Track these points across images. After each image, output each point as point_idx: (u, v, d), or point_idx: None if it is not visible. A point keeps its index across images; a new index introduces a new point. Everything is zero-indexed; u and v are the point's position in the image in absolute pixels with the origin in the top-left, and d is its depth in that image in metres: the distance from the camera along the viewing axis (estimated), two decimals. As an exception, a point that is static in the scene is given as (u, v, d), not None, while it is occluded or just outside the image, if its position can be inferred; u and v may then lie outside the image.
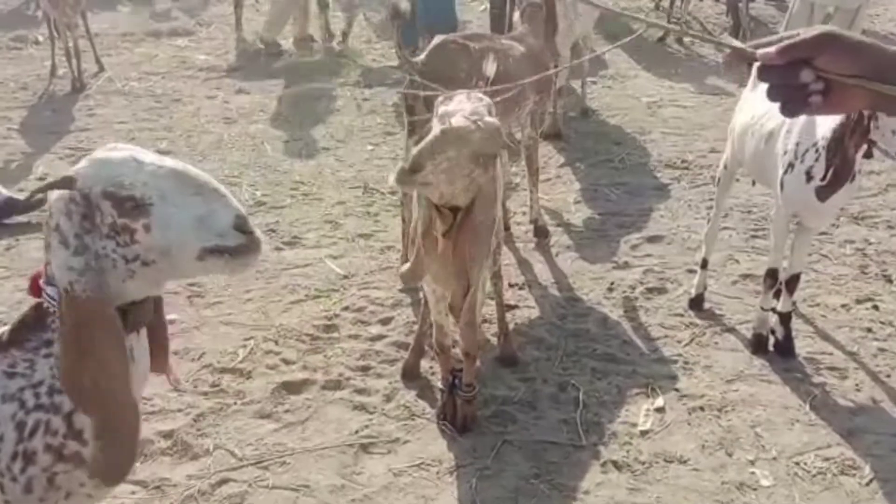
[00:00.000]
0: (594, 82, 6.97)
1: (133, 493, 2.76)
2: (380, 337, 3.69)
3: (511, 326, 3.62)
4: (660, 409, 3.25)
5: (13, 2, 9.11)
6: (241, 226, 1.57)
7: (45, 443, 1.63)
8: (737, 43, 1.14)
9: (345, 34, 8.17)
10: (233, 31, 8.36)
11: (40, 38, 7.95)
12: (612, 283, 4.11)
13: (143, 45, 8.21)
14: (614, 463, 2.97)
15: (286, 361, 3.51)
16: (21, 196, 4.69)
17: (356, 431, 3.09)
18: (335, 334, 3.70)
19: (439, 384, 3.21)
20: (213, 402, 3.23)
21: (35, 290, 1.62)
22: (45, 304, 1.60)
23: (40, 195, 1.60)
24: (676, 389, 3.36)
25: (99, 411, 1.58)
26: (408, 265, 2.88)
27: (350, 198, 5.08)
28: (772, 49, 1.12)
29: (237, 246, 1.57)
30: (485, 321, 3.64)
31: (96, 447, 1.61)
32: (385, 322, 3.80)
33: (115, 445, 1.61)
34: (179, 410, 3.17)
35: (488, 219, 2.74)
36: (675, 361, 3.54)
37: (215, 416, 3.16)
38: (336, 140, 5.91)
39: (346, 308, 3.91)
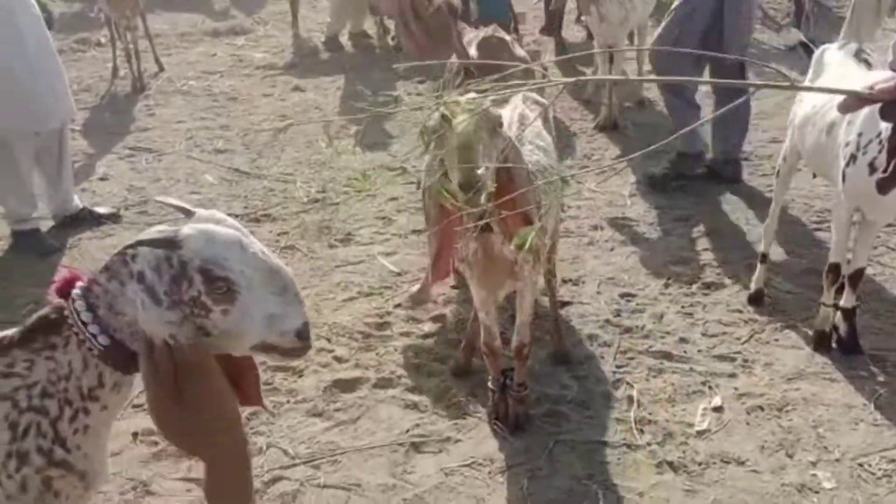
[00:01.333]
0: (650, 70, 6.83)
1: (189, 490, 2.81)
2: (431, 335, 3.68)
3: (564, 324, 3.57)
4: (717, 409, 3.17)
5: (76, 5, 9.34)
6: (303, 333, 1.63)
7: (37, 445, 1.65)
8: (854, 89, 1.12)
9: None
10: (289, 28, 8.44)
11: (102, 40, 8.13)
12: (668, 279, 4.03)
13: (202, 44, 8.34)
14: (670, 464, 2.91)
15: (338, 359, 3.52)
16: (96, 206, 4.82)
17: (407, 430, 3.09)
18: (387, 332, 3.71)
19: (490, 383, 3.19)
20: (266, 401, 3.25)
21: (63, 291, 1.63)
22: (66, 313, 1.62)
23: (142, 242, 1.60)
24: (735, 388, 3.28)
25: (208, 452, 1.61)
26: (415, 287, 2.89)
27: (403, 194, 5.08)
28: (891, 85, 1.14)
29: (290, 349, 1.64)
30: (537, 317, 3.60)
31: (211, 485, 1.64)
32: (437, 320, 3.79)
33: (231, 481, 1.65)
34: (234, 408, 3.21)
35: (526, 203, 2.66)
36: (734, 359, 3.45)
37: (268, 414, 3.19)
38: (389, 136, 5.92)
39: (398, 305, 3.91)
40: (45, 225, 4.65)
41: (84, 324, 1.59)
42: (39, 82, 4.28)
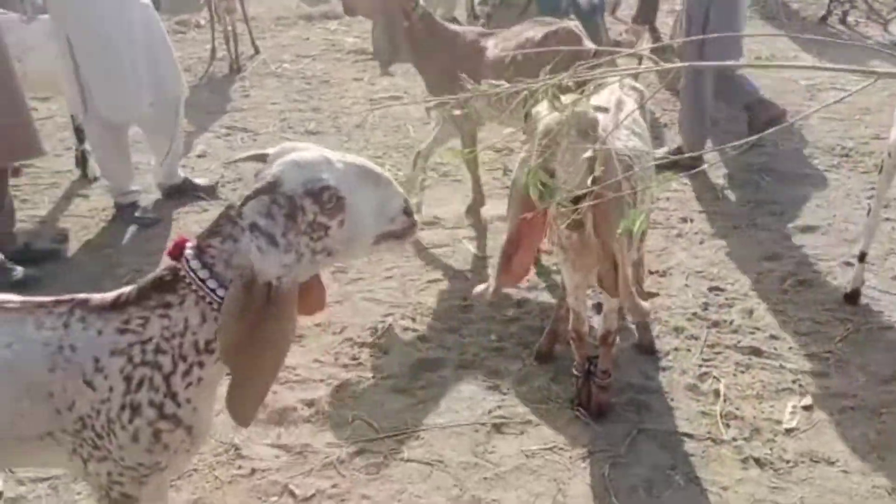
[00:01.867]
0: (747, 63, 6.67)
1: (277, 457, 2.89)
2: (515, 319, 3.69)
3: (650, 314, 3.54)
4: (807, 407, 3.10)
5: (178, -13, 9.63)
6: (407, 209, 1.77)
7: (149, 398, 1.75)
8: None
9: (489, 16, 8.16)
10: (381, 14, 8.52)
11: (202, 22, 8.38)
12: (759, 274, 3.94)
13: (296, 28, 8.51)
14: (756, 460, 2.86)
15: (423, 339, 3.57)
16: (195, 178, 4.99)
17: (489, 411, 3.12)
18: (471, 315, 3.74)
19: (574, 369, 3.19)
20: (352, 375, 3.33)
21: (175, 253, 1.73)
22: (182, 273, 1.71)
23: (247, 200, 1.68)
24: (826, 387, 3.19)
25: (250, 372, 1.70)
26: (485, 285, 2.89)
27: (489, 179, 5.09)
28: None
29: (403, 229, 1.77)
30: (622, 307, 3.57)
31: (234, 397, 1.74)
32: (520, 305, 3.80)
33: (252, 401, 1.77)
34: (321, 381, 3.30)
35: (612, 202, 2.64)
36: (827, 358, 3.36)
37: (354, 388, 3.26)
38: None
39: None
40: (145, 198, 4.83)
41: (202, 280, 1.68)
42: (149, 66, 4.45)
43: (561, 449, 2.92)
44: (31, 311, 1.79)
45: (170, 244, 1.77)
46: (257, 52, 7.61)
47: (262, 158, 1.75)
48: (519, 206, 2.75)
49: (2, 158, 3.99)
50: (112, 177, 4.67)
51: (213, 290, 1.68)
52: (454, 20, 8.19)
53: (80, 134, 5.04)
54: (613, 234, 2.58)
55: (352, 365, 3.40)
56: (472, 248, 4.31)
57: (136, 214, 4.62)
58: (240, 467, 2.84)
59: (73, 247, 4.42)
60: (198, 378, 1.76)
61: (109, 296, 1.79)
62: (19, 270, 3.96)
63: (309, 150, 1.70)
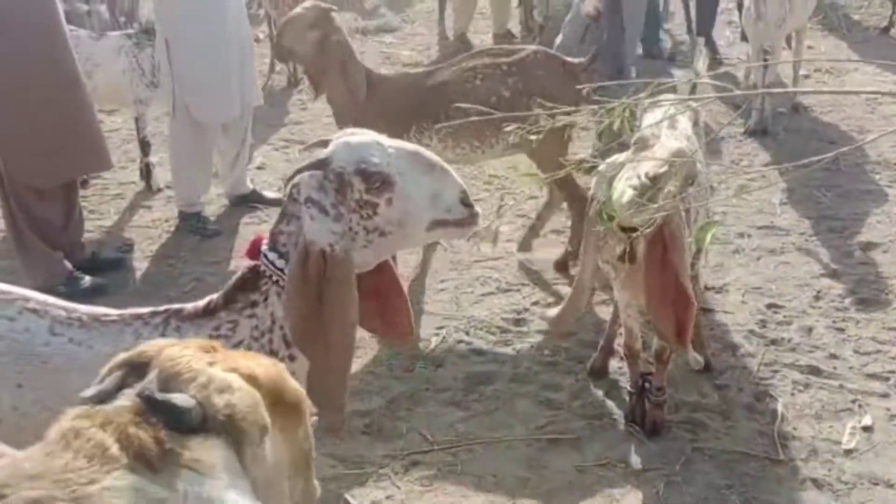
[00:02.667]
0: (807, 76, 6.58)
1: (333, 466, 2.94)
2: (569, 334, 3.69)
3: (706, 331, 3.51)
4: (867, 428, 3.05)
5: (239, 2, 9.85)
6: (465, 200, 1.80)
7: None
8: None
9: (542, 28, 8.18)
10: (436, 27, 8.60)
11: (261, 36, 8.54)
12: (819, 292, 3.89)
13: (352, 41, 8.61)
14: (814, 481, 2.82)
15: (476, 352, 3.60)
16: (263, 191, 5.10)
17: (542, 426, 3.13)
18: (524, 328, 3.75)
19: (628, 386, 3.18)
20: (406, 387, 3.37)
21: (252, 252, 1.80)
22: (262, 268, 1.78)
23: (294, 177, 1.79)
24: (887, 409, 3.14)
25: (321, 354, 1.75)
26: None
27: (544, 193, 5.10)
28: None
29: (461, 219, 1.79)
30: (678, 324, 3.56)
31: (316, 386, 1.77)
32: (575, 319, 3.80)
33: (336, 386, 1.80)
34: (376, 393, 3.34)
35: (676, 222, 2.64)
36: (888, 379, 3.30)
37: (408, 400, 3.30)
38: (532, 135, 5.94)
39: (535, 303, 3.95)
40: (207, 209, 4.95)
41: (280, 270, 1.74)
42: (240, 68, 4.57)
43: (614, 465, 2.92)
44: (128, 322, 1.87)
45: (243, 247, 1.85)
46: (315, 64, 7.73)
47: (325, 144, 1.84)
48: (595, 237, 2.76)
49: (72, 171, 4.14)
50: (185, 184, 4.73)
51: None
52: (509, 33, 8.25)
53: (144, 146, 5.19)
54: (685, 271, 2.58)
55: (406, 377, 3.44)
56: (525, 261, 4.32)
57: (199, 224, 4.72)
58: (297, 476, 2.90)
59: (136, 256, 4.55)
60: (291, 372, 1.81)
61: (200, 303, 1.86)
62: (87, 279, 4.09)
63: (363, 134, 1.79)
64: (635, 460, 2.93)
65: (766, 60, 5.67)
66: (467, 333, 3.73)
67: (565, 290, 4.01)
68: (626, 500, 2.77)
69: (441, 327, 3.76)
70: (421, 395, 3.33)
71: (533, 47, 4.05)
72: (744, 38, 6.77)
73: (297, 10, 3.89)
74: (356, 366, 3.49)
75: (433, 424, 3.16)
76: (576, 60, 3.96)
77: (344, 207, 1.72)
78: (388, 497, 2.81)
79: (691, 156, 2.51)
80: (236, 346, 1.79)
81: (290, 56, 4.04)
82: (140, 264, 4.47)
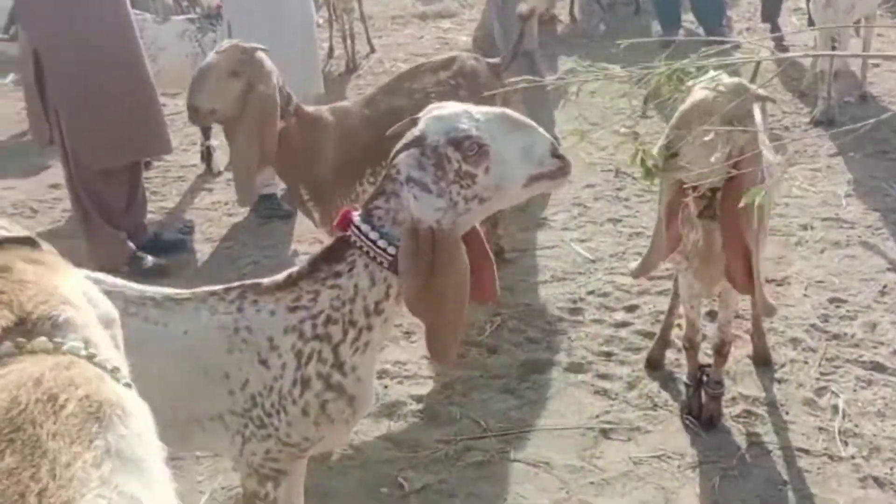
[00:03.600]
0: (876, 65, 6.38)
1: (387, 449, 2.97)
2: (624, 324, 3.67)
3: (766, 324, 3.45)
4: (933, 428, 2.96)
5: (298, -12, 9.93)
6: (555, 151, 1.82)
7: (317, 370, 1.85)
8: None
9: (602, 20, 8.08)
10: (494, 12, 8.56)
11: (320, 21, 8.59)
12: (884, 286, 3.78)
13: (410, 26, 8.64)
14: (875, 479, 2.75)
15: (530, 340, 3.59)
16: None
17: (597, 416, 3.11)
18: (579, 318, 3.73)
19: (684, 377, 3.14)
20: (460, 373, 3.38)
21: (342, 224, 1.83)
22: (352, 239, 1.81)
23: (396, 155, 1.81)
24: (954, 408, 3.04)
25: (439, 318, 1.82)
26: (637, 263, 2.86)
27: (600, 181, 5.06)
28: None
29: (554, 170, 1.81)
30: (737, 316, 3.49)
31: (432, 340, 1.87)
32: (630, 309, 3.77)
33: (447, 339, 1.87)
34: (430, 378, 3.36)
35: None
36: (955, 377, 3.20)
37: (462, 386, 3.31)
38: (589, 122, 5.89)
39: (591, 292, 3.92)
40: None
41: (372, 241, 1.78)
42: (303, 58, 4.58)
43: (669, 458, 2.89)
44: (203, 299, 1.93)
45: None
46: (373, 50, 7.77)
47: (414, 122, 1.85)
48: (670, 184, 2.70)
49: (135, 153, 4.23)
50: None
51: (383, 250, 1.78)
52: (554, 18, 8.15)
53: (206, 130, 5.28)
54: (748, 225, 2.52)
55: (460, 363, 3.45)
56: (581, 250, 4.30)
57: (272, 206, 4.76)
58: (352, 457, 2.94)
59: (197, 238, 4.64)
60: (365, 343, 1.86)
61: (280, 277, 1.91)
62: (149, 259, 4.19)
63: (450, 106, 1.81)
64: (691, 453, 2.90)
65: (833, 49, 5.52)
66: (521, 321, 3.72)
67: (621, 280, 3.99)
68: (681, 493, 2.74)
69: (496, 315, 3.76)
70: (475, 381, 3.33)
71: (456, 54, 3.84)
72: (811, 24, 6.60)
73: (211, 57, 3.19)
74: (411, 352, 3.52)
75: (486, 411, 3.16)
76: (494, 61, 3.84)
77: (444, 182, 1.75)
78: (440, 481, 2.83)
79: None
80: (315, 316, 1.84)
81: (210, 118, 3.21)
82: (200, 246, 4.56)
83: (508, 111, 1.84)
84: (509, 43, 4.32)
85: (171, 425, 1.95)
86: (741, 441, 2.94)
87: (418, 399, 3.23)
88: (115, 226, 4.15)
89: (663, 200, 2.69)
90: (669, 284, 3.68)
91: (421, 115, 1.85)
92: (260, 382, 1.87)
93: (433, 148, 1.75)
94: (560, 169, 1.83)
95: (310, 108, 3.23)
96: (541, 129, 1.83)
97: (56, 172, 5.42)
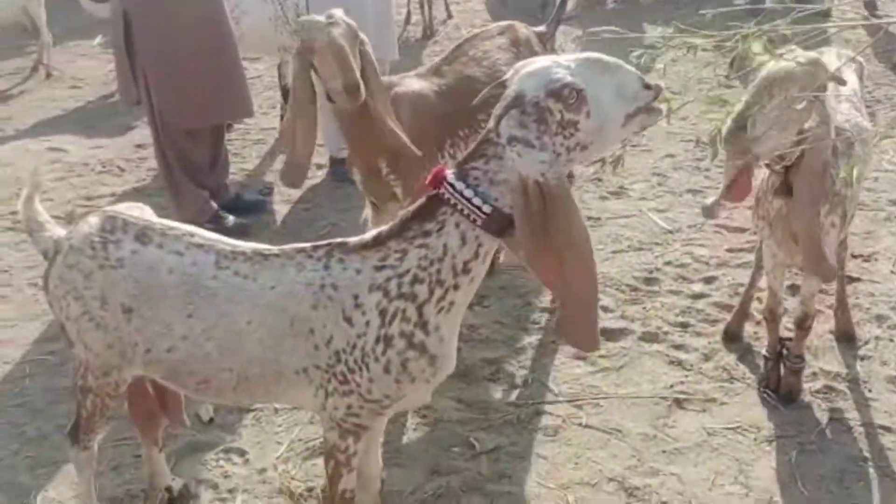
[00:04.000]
0: None
1: (459, 410, 3.01)
2: (701, 295, 3.61)
3: (851, 300, 3.36)
4: None
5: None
6: (646, 83, 1.78)
7: (400, 329, 1.87)
8: None
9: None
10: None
11: (397, -13, 8.62)
12: (978, 265, 3.64)
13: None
14: (961, 461, 2.67)
15: (604, 309, 3.56)
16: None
17: (671, 386, 3.08)
18: (655, 288, 3.69)
19: (763, 351, 3.09)
20: (533, 338, 3.39)
21: (434, 182, 1.81)
22: (446, 196, 1.79)
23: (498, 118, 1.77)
24: None
25: (565, 283, 1.76)
26: (709, 200, 2.79)
27: (680, 151, 4.97)
28: None
29: (648, 102, 1.78)
30: (821, 291, 3.40)
31: (564, 315, 1.81)
32: (708, 281, 3.71)
33: (580, 310, 1.79)
34: (502, 342, 3.37)
35: (818, 166, 2.51)
36: None
37: (534, 351, 3.32)
38: (671, 91, 5.77)
39: (668, 263, 3.87)
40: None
41: (467, 199, 1.77)
42: (378, 24, 4.61)
43: (745, 430, 2.85)
44: (291, 256, 1.96)
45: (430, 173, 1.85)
46: (450, 16, 7.75)
47: (502, 86, 1.82)
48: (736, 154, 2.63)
49: (219, 115, 4.32)
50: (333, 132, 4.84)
51: (478, 207, 1.77)
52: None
53: (286, 93, 5.34)
54: (817, 200, 2.46)
55: (533, 328, 3.46)
56: (659, 220, 4.24)
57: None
58: (424, 416, 2.98)
59: (276, 199, 4.73)
60: (450, 303, 1.86)
61: (367, 235, 1.92)
62: (231, 219, 4.29)
63: (538, 60, 1.79)
64: (768, 427, 2.85)
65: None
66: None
67: (699, 252, 3.93)
68: (757, 465, 2.70)
69: (570, 282, 3.74)
70: (547, 347, 3.34)
71: (511, 22, 3.68)
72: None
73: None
74: (484, 316, 3.54)
75: (558, 376, 3.17)
76: (540, 29, 3.75)
77: (547, 135, 1.72)
78: (511, 443, 2.85)
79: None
80: (402, 275, 1.84)
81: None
82: (279, 207, 4.65)
83: (594, 54, 1.79)
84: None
85: (258, 377, 2.01)
86: (821, 416, 2.88)
87: (490, 362, 3.25)
88: (199, 185, 4.26)
89: (727, 172, 2.63)
90: (749, 257, 3.62)
91: (508, 76, 1.81)
92: (344, 339, 1.91)
93: (534, 103, 1.72)
94: (653, 99, 1.79)
95: (381, 78, 3.11)
96: (628, 66, 1.79)
97: (142, 132, 5.60)
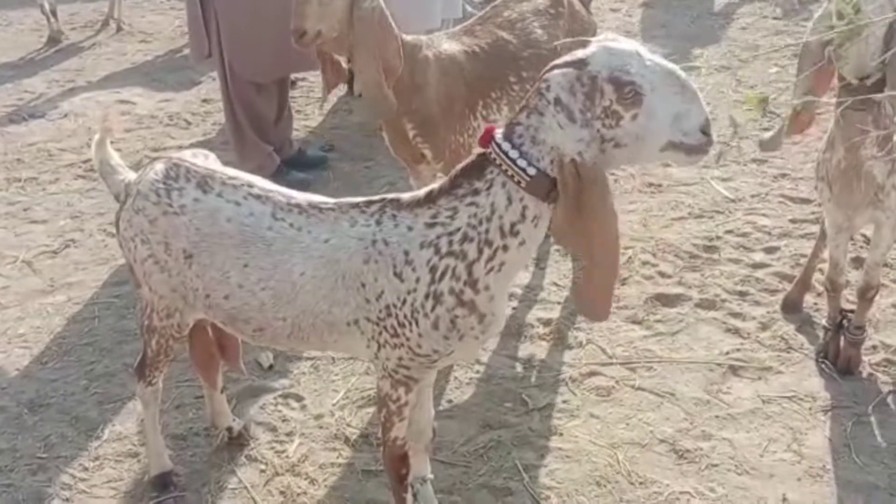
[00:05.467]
0: None
1: (513, 367, 3.04)
2: (762, 265, 3.57)
3: (916, 274, 3.29)
4: None
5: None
6: (706, 128, 1.73)
7: (449, 286, 1.89)
8: None
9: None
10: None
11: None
12: None
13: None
14: None
15: (662, 274, 3.55)
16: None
17: (726, 353, 3.07)
18: (715, 256, 3.66)
19: (823, 321, 3.05)
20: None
21: (485, 140, 1.82)
22: (492, 156, 1.80)
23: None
24: None
25: (590, 255, 1.79)
26: (769, 134, 2.74)
27: (746, 120, 4.87)
28: None
29: (695, 145, 1.73)
30: (886, 265, 3.34)
31: (581, 284, 1.83)
32: (770, 251, 3.66)
33: (598, 288, 1.83)
34: (558, 303, 3.39)
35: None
36: None
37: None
38: (739, 60, 5.66)
39: (729, 231, 3.83)
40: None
41: (512, 160, 1.77)
42: None
43: (801, 399, 2.83)
44: (345, 210, 1.99)
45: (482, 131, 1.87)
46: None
47: (584, 44, 1.79)
48: (810, 61, 2.54)
49: (287, 68, 4.38)
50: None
51: (522, 169, 1.77)
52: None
53: (349, 52, 5.38)
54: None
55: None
56: (721, 189, 4.18)
57: None
58: (478, 372, 3.02)
59: (337, 157, 4.79)
60: (500, 263, 1.87)
61: (420, 192, 1.94)
62: (293, 173, 4.37)
63: (624, 42, 1.75)
64: (824, 397, 2.83)
65: None
66: (654, 255, 3.68)
67: (762, 222, 3.87)
68: (811, 434, 2.68)
69: (628, 247, 3.73)
70: (603, 309, 3.34)
71: None
72: None
73: None
74: (540, 277, 3.56)
75: (613, 339, 3.17)
76: None
77: (590, 113, 1.70)
78: (563, 402, 2.88)
79: None
80: (452, 233, 1.86)
81: (317, 41, 2.96)
82: (339, 164, 4.71)
83: (679, 70, 1.73)
84: None
85: (311, 327, 2.05)
86: (879, 389, 2.84)
87: (545, 323, 3.27)
88: (264, 138, 4.34)
89: (800, 85, 2.56)
90: (814, 228, 3.56)
91: (595, 39, 1.78)
92: (394, 294, 1.93)
93: (592, 76, 1.69)
94: (701, 146, 1.74)
95: (408, 37, 3.03)
96: (702, 101, 1.73)
97: (208, 87, 5.71)
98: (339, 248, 1.96)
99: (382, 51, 2.91)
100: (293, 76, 5.10)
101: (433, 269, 1.89)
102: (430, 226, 1.89)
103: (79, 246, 3.97)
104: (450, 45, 3.14)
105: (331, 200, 2.06)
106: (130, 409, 2.91)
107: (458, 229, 1.86)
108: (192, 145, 4.90)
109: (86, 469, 2.69)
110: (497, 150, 1.79)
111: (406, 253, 1.90)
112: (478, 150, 1.86)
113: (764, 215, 3.93)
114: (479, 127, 3.17)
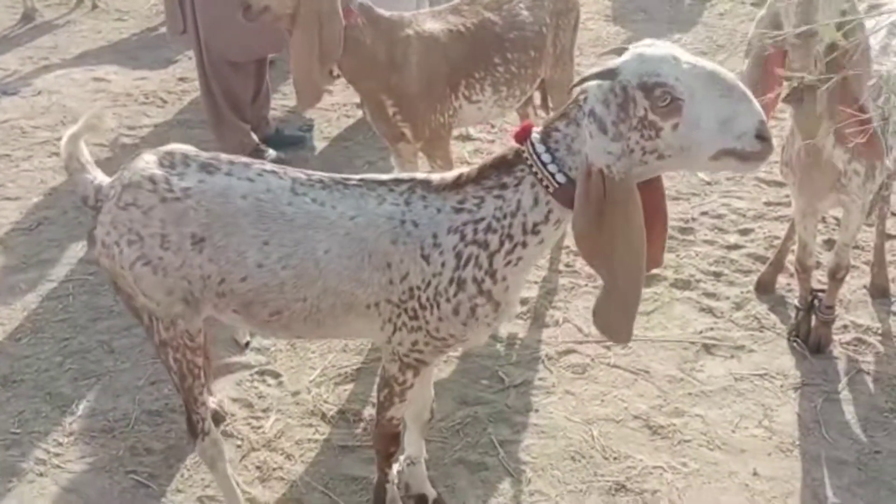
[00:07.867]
0: None
1: (489, 345, 3.05)
2: (736, 246, 3.61)
3: (889, 257, 3.33)
4: None
5: None
6: (762, 132, 1.62)
7: (472, 274, 1.88)
8: None
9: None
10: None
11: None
12: None
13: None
14: None
15: (638, 255, 3.58)
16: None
17: (700, 331, 3.11)
18: (690, 237, 3.69)
19: (795, 301, 3.09)
20: (566, 281, 3.42)
21: (520, 137, 1.80)
22: (525, 154, 1.79)
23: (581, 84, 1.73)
24: None
25: (610, 273, 1.76)
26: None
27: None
28: None
29: (751, 152, 1.63)
30: (857, 247, 3.39)
31: (603, 302, 1.81)
32: (744, 233, 3.70)
33: (617, 308, 1.80)
34: (535, 283, 3.41)
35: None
36: None
37: (567, 293, 3.35)
38: (716, 44, 5.69)
39: (704, 213, 3.86)
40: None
41: (544, 164, 1.75)
42: None
43: (772, 377, 2.87)
44: (372, 187, 1.95)
45: (519, 126, 1.84)
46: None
47: (621, 51, 1.73)
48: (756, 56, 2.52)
49: (263, 49, 4.34)
50: None
51: (552, 175, 1.75)
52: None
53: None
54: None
55: (566, 271, 3.49)
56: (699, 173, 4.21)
57: None
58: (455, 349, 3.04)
59: (315, 136, 4.77)
60: (518, 258, 1.87)
61: (449, 175, 1.91)
62: (271, 153, 4.34)
63: (660, 47, 1.67)
64: (795, 375, 2.87)
65: None
66: (630, 236, 3.70)
67: (737, 204, 3.91)
68: (781, 410, 2.73)
69: (604, 228, 3.75)
70: (579, 289, 3.37)
71: None
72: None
73: None
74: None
75: (589, 318, 3.15)
76: None
77: (625, 126, 1.63)
78: (540, 379, 2.90)
79: None
80: (478, 221, 1.85)
81: (264, 15, 2.94)
82: (318, 143, 4.69)
83: (723, 71, 1.61)
84: None
85: (330, 309, 2.00)
86: (849, 367, 2.90)
87: (522, 302, 3.28)
88: (241, 117, 4.31)
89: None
90: (787, 211, 3.60)
91: (633, 45, 1.71)
92: (419, 276, 1.91)
93: (623, 86, 1.63)
94: (758, 152, 1.62)
95: (384, 13, 3.00)
96: (754, 101, 1.61)
97: (184, 66, 5.65)
98: (367, 226, 1.91)
99: (323, 34, 2.84)
100: (271, 56, 5.06)
101: (458, 255, 1.88)
102: (458, 211, 1.87)
103: (52, 223, 3.93)
104: (434, 24, 3.11)
105: (355, 176, 2.01)
106: (105, 385, 2.89)
107: (483, 219, 1.85)
108: (167, 123, 4.86)
109: (60, 444, 2.68)
110: (531, 151, 1.77)
111: (434, 236, 1.89)
112: (512, 144, 1.83)
113: (739, 198, 3.96)
114: (461, 107, 3.18)
